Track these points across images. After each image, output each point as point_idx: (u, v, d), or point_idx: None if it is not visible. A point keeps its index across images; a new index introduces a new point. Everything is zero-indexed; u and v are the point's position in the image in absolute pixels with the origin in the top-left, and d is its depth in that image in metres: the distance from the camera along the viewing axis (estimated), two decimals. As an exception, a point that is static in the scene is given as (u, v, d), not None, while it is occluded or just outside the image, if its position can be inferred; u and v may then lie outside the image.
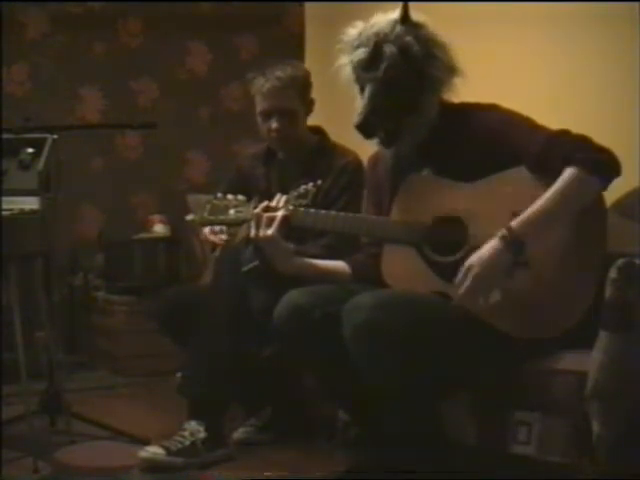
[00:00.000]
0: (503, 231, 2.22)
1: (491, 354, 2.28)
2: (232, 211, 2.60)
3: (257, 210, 2.53)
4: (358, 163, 2.94)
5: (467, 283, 2.22)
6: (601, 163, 2.23)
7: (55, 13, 4.42)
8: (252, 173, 3.14)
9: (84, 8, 4.48)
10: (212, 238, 2.87)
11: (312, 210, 2.52)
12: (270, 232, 2.49)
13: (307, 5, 4.87)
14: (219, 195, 2.64)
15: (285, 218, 2.49)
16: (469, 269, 2.22)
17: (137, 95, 4.66)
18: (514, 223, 2.22)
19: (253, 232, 2.52)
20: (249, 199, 2.65)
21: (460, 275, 2.24)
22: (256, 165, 3.14)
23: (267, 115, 2.99)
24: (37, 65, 4.40)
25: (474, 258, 2.23)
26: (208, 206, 2.62)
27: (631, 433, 2.12)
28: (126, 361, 4.12)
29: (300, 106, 3.00)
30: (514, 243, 2.21)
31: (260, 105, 2.99)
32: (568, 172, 2.22)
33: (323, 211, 2.53)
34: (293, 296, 2.42)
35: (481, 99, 2.43)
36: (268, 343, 2.89)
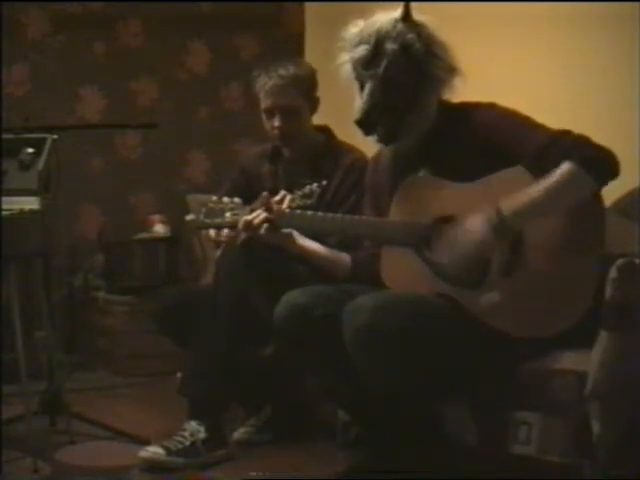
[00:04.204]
0: (492, 216, 2.21)
1: (491, 354, 2.28)
2: (228, 214, 2.62)
3: (246, 217, 2.57)
4: (365, 161, 2.93)
5: (458, 269, 2.26)
6: (598, 162, 2.22)
7: (55, 13, 4.41)
8: (257, 172, 3.14)
9: (84, 8, 4.47)
10: (214, 235, 2.87)
11: (309, 212, 2.52)
12: (261, 232, 2.54)
13: (307, 5, 4.87)
14: (214, 198, 2.65)
15: (267, 220, 2.52)
16: (459, 255, 2.26)
17: (137, 95, 4.65)
18: (505, 209, 2.21)
19: (243, 236, 2.60)
20: (254, 198, 2.65)
21: (449, 258, 2.28)
22: (262, 164, 3.14)
23: (270, 113, 2.99)
24: (37, 65, 4.40)
25: (462, 245, 2.25)
26: (204, 209, 2.63)
27: (631, 433, 2.12)
28: (126, 361, 4.12)
29: (304, 104, 3.00)
30: (502, 230, 2.21)
31: (263, 103, 3.00)
32: (564, 166, 2.22)
33: (320, 213, 2.53)
34: (293, 295, 2.42)
35: (481, 99, 2.42)
36: (268, 343, 2.90)
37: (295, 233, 2.64)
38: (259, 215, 2.56)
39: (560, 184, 2.22)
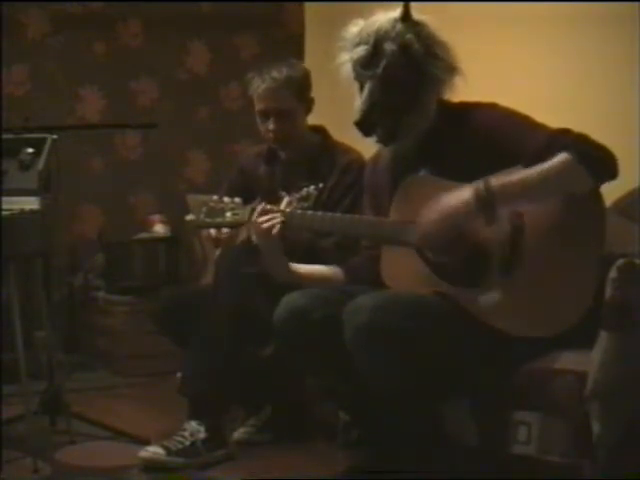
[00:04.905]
0: (480, 186, 2.23)
1: (491, 354, 2.28)
2: (228, 214, 2.60)
3: (254, 217, 2.52)
4: (361, 161, 2.93)
5: (428, 220, 2.26)
6: (596, 159, 2.22)
7: (55, 13, 4.41)
8: (255, 172, 3.14)
9: (84, 8, 4.47)
10: (214, 234, 2.87)
11: (309, 212, 2.51)
12: (269, 239, 2.50)
13: (307, 5, 4.87)
14: (215, 197, 2.64)
15: (282, 223, 2.49)
16: (435, 209, 2.26)
17: (137, 95, 4.66)
18: (494, 182, 2.23)
19: (254, 238, 2.53)
20: (251, 199, 2.64)
21: (424, 211, 2.27)
22: (259, 164, 3.15)
23: (264, 116, 3.00)
24: (37, 65, 4.40)
25: (444, 202, 2.25)
26: (204, 209, 2.61)
27: (631, 433, 2.12)
28: (126, 361, 4.12)
29: (297, 106, 3.00)
30: (486, 202, 2.22)
31: (257, 106, 3.01)
32: (561, 156, 2.23)
33: (320, 212, 2.52)
34: (293, 297, 2.42)
35: (481, 99, 2.42)
36: (268, 343, 2.89)
37: (291, 265, 2.60)
38: (273, 218, 2.51)
39: (552, 170, 2.22)
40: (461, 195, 2.25)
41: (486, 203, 2.22)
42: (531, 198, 2.26)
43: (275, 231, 2.48)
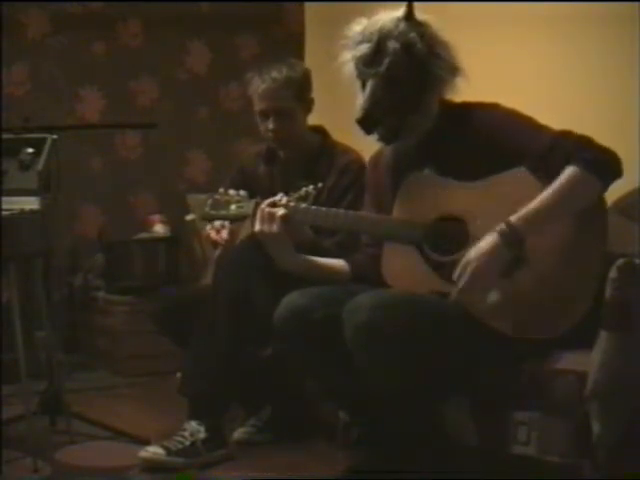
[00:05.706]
0: (502, 226, 2.22)
1: (491, 354, 2.28)
2: (233, 206, 2.59)
3: (263, 205, 2.51)
4: (360, 162, 2.94)
5: (465, 279, 2.22)
6: (603, 163, 2.23)
7: (55, 13, 4.41)
8: (255, 172, 3.14)
9: (84, 8, 4.47)
10: (214, 236, 2.87)
11: (313, 207, 2.51)
12: (273, 228, 2.49)
13: (307, 5, 4.87)
14: (221, 190, 2.63)
15: (285, 216, 2.48)
16: (467, 264, 2.23)
17: (137, 95, 4.66)
18: (514, 218, 2.22)
19: (258, 226, 2.51)
20: (251, 198, 2.64)
21: (458, 271, 2.24)
22: (259, 164, 3.15)
23: (264, 115, 3.00)
24: (37, 65, 4.40)
25: (472, 253, 2.23)
26: (210, 201, 2.61)
27: (631, 433, 2.12)
28: (126, 361, 4.12)
29: (297, 106, 3.00)
30: (513, 239, 2.21)
31: (257, 106, 3.01)
32: (569, 170, 2.23)
33: (324, 208, 2.52)
34: (293, 297, 2.41)
35: (481, 99, 2.42)
36: (268, 343, 2.89)
37: (298, 255, 2.58)
38: (277, 211, 2.50)
39: (567, 189, 2.23)
40: (486, 243, 2.23)
41: (513, 241, 2.22)
42: (552, 221, 2.25)
43: (280, 214, 2.47)
